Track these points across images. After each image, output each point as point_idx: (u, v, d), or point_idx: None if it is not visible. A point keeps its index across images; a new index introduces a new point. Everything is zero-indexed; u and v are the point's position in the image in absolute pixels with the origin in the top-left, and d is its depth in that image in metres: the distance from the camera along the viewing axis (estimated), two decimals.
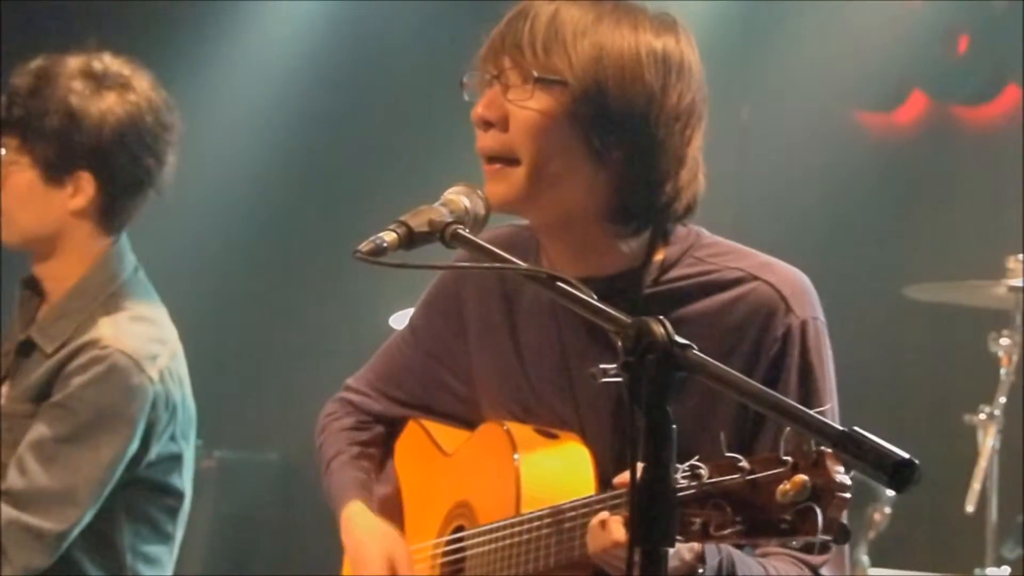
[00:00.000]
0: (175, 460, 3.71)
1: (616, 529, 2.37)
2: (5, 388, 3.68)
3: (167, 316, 3.78)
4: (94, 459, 3.56)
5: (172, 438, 3.68)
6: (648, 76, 2.54)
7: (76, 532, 3.57)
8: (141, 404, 3.58)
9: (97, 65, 3.69)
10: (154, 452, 3.64)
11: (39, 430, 3.56)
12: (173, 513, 3.74)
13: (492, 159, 2.58)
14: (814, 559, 2.53)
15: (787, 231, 6.36)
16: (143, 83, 3.75)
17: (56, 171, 3.64)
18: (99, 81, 3.67)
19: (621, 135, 2.54)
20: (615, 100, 2.53)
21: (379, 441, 2.96)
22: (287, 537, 7.29)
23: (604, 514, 2.41)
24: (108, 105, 3.67)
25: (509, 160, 2.57)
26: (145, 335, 3.65)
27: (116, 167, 3.71)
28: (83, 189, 3.66)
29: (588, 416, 2.64)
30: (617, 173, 2.56)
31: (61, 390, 3.56)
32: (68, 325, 3.62)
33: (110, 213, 3.73)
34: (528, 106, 2.54)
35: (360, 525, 2.84)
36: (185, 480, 3.75)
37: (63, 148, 3.63)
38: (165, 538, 3.74)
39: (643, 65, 2.54)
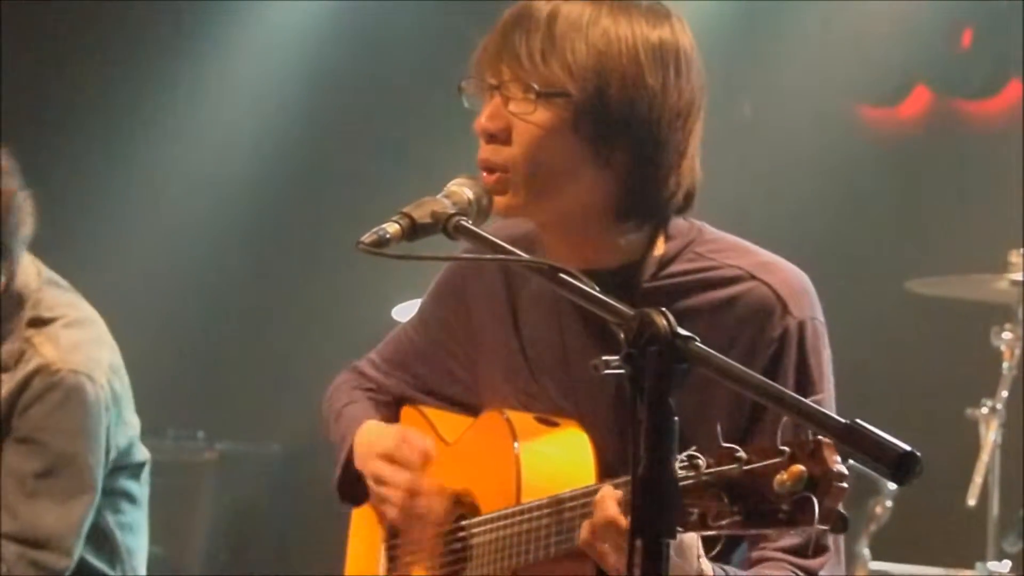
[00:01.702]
0: (132, 443, 3.79)
1: (611, 506, 2.38)
2: None
3: (82, 300, 3.80)
4: (77, 485, 3.63)
5: (125, 424, 3.73)
6: (649, 79, 2.53)
7: (75, 563, 3.61)
8: (100, 416, 3.65)
9: None
10: (114, 444, 3.70)
11: (15, 465, 3.62)
12: (138, 478, 3.83)
13: (492, 168, 2.57)
14: (811, 563, 2.52)
15: (789, 226, 6.36)
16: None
17: None
18: None
19: (625, 138, 2.54)
20: (617, 106, 2.52)
21: (386, 404, 2.96)
22: (289, 529, 7.29)
23: (604, 490, 2.41)
24: None
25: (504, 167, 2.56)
26: (84, 339, 3.70)
27: None
28: None
29: (587, 408, 2.64)
30: (621, 173, 2.56)
31: (23, 423, 3.62)
32: (10, 349, 3.64)
33: None
34: (531, 120, 2.53)
35: (373, 427, 2.83)
36: (141, 449, 3.81)
37: None
38: (137, 503, 3.82)
39: (643, 67, 2.53)
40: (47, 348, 3.64)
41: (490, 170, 2.57)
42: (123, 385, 3.76)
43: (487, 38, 2.59)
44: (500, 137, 2.56)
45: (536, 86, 2.52)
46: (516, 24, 2.55)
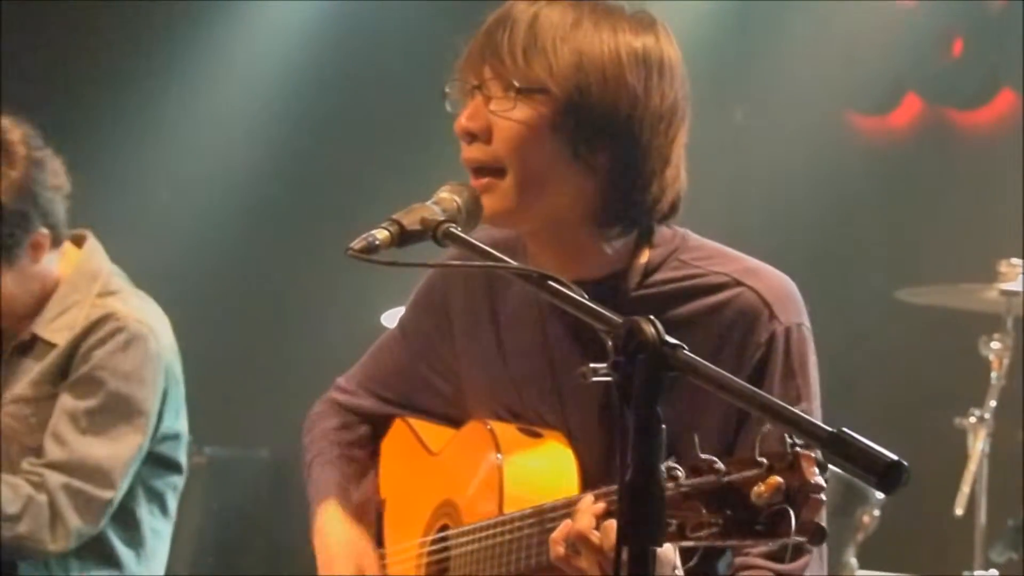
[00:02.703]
0: (179, 438, 3.84)
1: (583, 520, 2.36)
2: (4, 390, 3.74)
3: (150, 300, 3.90)
4: (128, 426, 3.70)
5: (177, 414, 3.80)
6: (630, 79, 2.53)
7: (119, 498, 3.66)
8: (159, 371, 3.74)
9: None
10: (164, 424, 3.75)
11: (69, 404, 3.69)
12: (176, 491, 3.92)
13: (479, 171, 2.57)
14: (791, 568, 2.51)
15: (780, 233, 6.36)
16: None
17: None
18: None
19: (606, 139, 2.54)
20: (598, 105, 2.52)
21: (363, 442, 2.96)
22: (277, 534, 7.28)
23: (582, 502, 2.40)
24: None
25: (495, 171, 2.55)
26: (151, 310, 3.82)
27: None
28: None
29: (573, 417, 2.64)
30: (603, 177, 2.55)
31: (83, 364, 3.69)
32: (77, 315, 3.70)
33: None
34: (511, 116, 2.54)
35: (331, 531, 2.85)
36: (184, 458, 3.88)
37: None
38: (170, 517, 3.92)
39: (624, 68, 2.53)
40: (116, 304, 3.75)
41: (478, 170, 2.57)
42: (181, 377, 3.84)
43: (469, 43, 2.59)
44: (481, 137, 2.56)
45: (516, 83, 2.52)
46: (498, 25, 2.56)
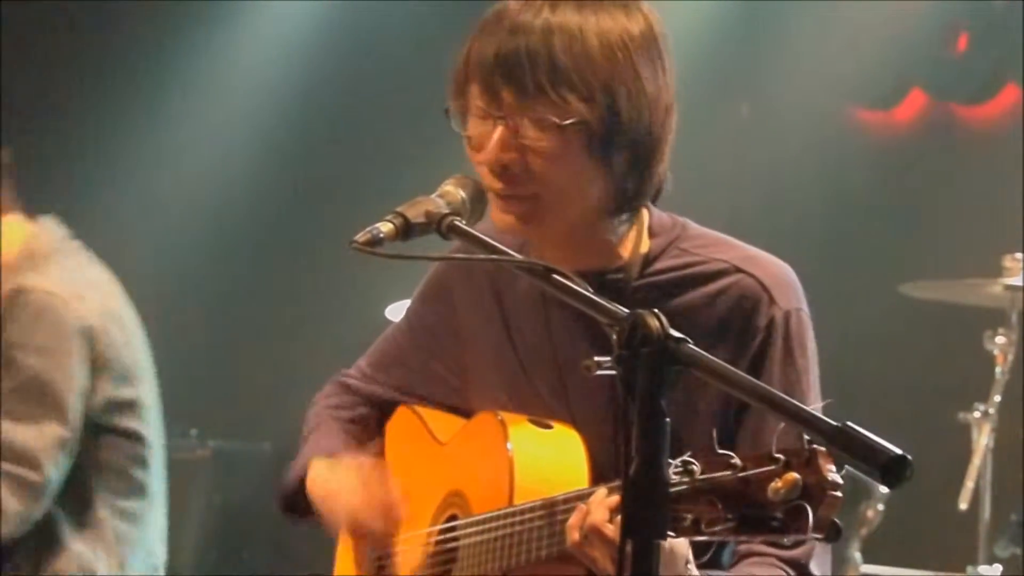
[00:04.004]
0: (129, 405, 3.72)
1: (598, 513, 2.37)
2: None
3: (105, 274, 3.81)
4: (45, 412, 3.61)
5: (123, 380, 3.69)
6: (648, 86, 2.53)
7: (60, 475, 3.58)
8: (77, 337, 3.62)
9: None
10: (106, 392, 3.66)
11: None
12: (144, 464, 3.75)
13: (509, 198, 2.54)
14: (796, 553, 2.51)
15: (784, 228, 6.36)
16: None
17: None
18: None
19: (628, 142, 2.54)
20: (626, 117, 2.51)
21: (365, 420, 2.95)
22: (281, 527, 7.26)
23: (596, 495, 2.40)
24: None
25: (528, 198, 2.54)
26: (71, 280, 3.71)
27: None
28: None
29: (580, 409, 2.64)
30: (619, 175, 2.56)
31: (2, 343, 3.61)
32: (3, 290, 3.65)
33: None
34: (546, 148, 2.50)
35: (327, 470, 2.82)
36: (149, 427, 3.76)
37: None
38: (141, 492, 3.75)
39: (642, 75, 2.52)
40: (30, 277, 3.67)
41: (508, 197, 2.54)
42: (127, 339, 3.74)
43: (473, 56, 2.53)
44: (513, 168, 2.53)
45: (555, 119, 2.48)
46: (511, 48, 2.49)
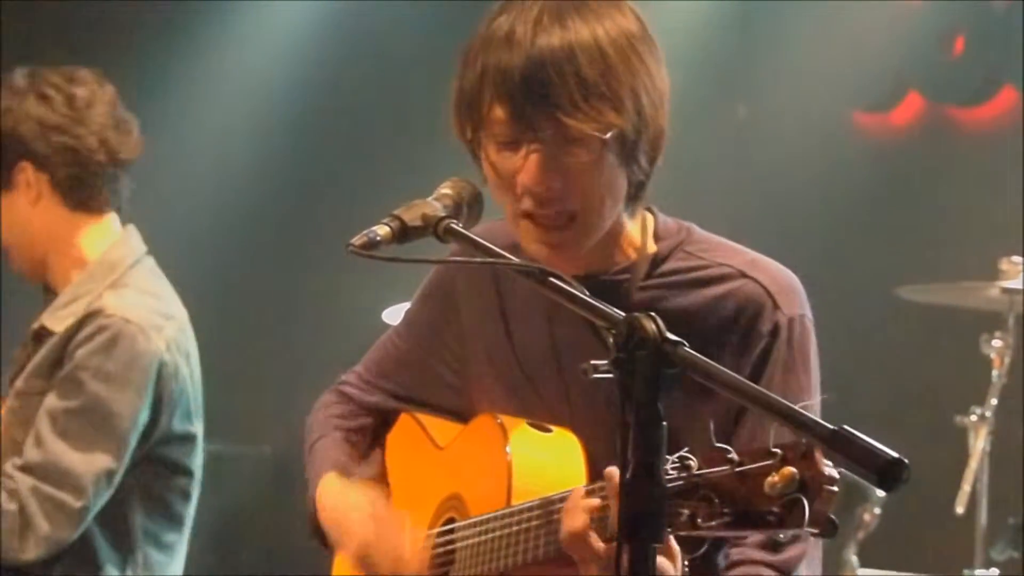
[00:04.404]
0: (188, 440, 3.72)
1: (579, 518, 2.38)
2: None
3: (175, 296, 3.81)
4: (102, 441, 3.57)
5: (185, 416, 3.69)
6: (657, 80, 2.55)
7: (99, 504, 3.57)
8: (148, 371, 3.61)
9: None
10: (165, 427, 3.65)
11: (51, 403, 3.59)
12: (186, 496, 3.76)
13: (550, 221, 2.53)
14: (786, 556, 2.51)
15: (781, 230, 6.35)
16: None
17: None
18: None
19: (648, 140, 2.55)
20: (648, 115, 2.53)
21: (365, 430, 2.96)
22: (279, 531, 7.28)
23: (571, 498, 2.40)
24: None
25: (567, 216, 2.54)
26: (150, 307, 3.69)
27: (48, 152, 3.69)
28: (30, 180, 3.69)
29: (580, 411, 2.64)
30: (635, 171, 2.57)
31: (68, 361, 3.59)
32: (78, 307, 3.64)
33: (68, 192, 3.70)
34: (585, 165, 2.50)
35: (340, 499, 2.82)
36: (196, 460, 3.76)
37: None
38: (178, 524, 3.74)
39: (653, 73, 2.54)
40: (110, 299, 3.65)
41: (555, 231, 2.53)
42: (192, 374, 3.74)
43: (492, 79, 2.50)
44: (556, 190, 2.52)
45: (596, 134, 2.47)
46: (539, 72, 2.47)
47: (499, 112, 2.51)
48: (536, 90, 2.47)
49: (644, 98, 2.52)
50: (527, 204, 2.53)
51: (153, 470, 3.70)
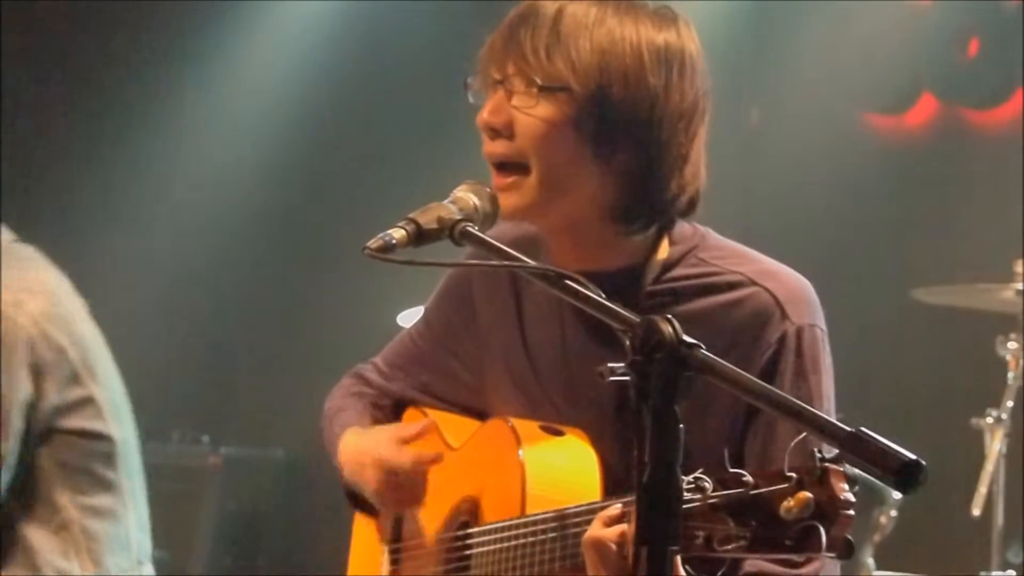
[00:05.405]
0: (87, 403, 3.68)
1: (595, 526, 2.36)
2: None
3: (44, 269, 3.76)
4: None
5: (72, 380, 3.67)
6: (651, 78, 2.54)
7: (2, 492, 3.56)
8: (14, 348, 3.59)
9: None
10: (55, 397, 3.64)
11: None
12: (109, 459, 3.71)
13: (502, 167, 2.58)
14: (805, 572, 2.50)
15: (795, 233, 6.36)
16: None
17: None
18: None
19: (626, 138, 2.54)
20: (619, 104, 2.53)
21: (384, 409, 2.95)
22: (293, 534, 7.29)
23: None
24: None
25: (519, 167, 2.56)
26: (6, 287, 3.65)
27: None
28: None
29: (590, 415, 2.63)
30: (623, 174, 2.56)
31: None
32: None
33: None
34: (533, 114, 2.54)
35: (354, 447, 2.82)
36: (113, 423, 3.72)
37: None
38: (109, 487, 3.70)
39: (646, 67, 2.54)
40: None
41: (501, 166, 2.58)
42: (72, 339, 3.69)
43: (493, 36, 2.60)
44: (503, 132, 2.57)
45: (539, 80, 2.53)
46: (522, 21, 2.56)
47: (485, 52, 2.59)
48: (513, 35, 2.55)
49: (618, 87, 2.52)
50: (484, 143, 2.59)
51: (61, 442, 3.65)
